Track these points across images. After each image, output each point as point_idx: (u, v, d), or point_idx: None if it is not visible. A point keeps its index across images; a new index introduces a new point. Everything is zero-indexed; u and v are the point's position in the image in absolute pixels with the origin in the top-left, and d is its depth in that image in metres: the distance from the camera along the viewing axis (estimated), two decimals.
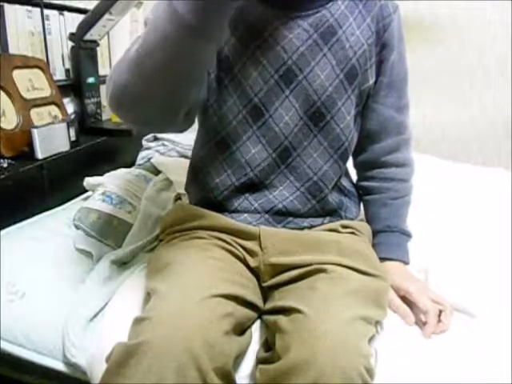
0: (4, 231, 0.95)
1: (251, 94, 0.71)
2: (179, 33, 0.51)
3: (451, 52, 1.63)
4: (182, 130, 0.68)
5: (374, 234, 0.82)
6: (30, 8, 1.24)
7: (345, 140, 0.75)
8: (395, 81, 0.77)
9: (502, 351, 0.65)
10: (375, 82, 0.76)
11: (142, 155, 1.43)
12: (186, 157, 1.37)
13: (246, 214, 0.75)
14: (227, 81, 0.71)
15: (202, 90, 0.68)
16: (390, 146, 0.81)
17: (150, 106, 0.60)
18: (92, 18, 1.31)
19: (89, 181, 1.11)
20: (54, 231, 0.97)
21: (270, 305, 0.68)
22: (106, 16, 1.29)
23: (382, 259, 0.77)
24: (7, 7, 1.16)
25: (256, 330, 0.69)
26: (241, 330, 0.64)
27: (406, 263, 0.80)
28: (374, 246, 0.80)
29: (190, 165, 0.83)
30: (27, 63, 1.21)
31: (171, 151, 1.42)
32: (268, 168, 0.73)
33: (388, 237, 0.81)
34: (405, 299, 0.73)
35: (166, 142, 1.43)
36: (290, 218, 0.75)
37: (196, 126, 0.78)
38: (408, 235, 0.82)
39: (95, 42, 1.44)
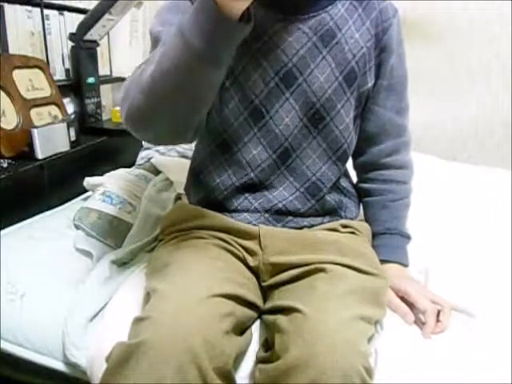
0: (4, 231, 0.96)
1: (252, 96, 0.71)
2: (190, 61, 0.54)
3: (451, 52, 1.63)
4: (190, 142, 0.72)
5: (374, 236, 0.82)
6: (29, 8, 1.24)
7: (344, 142, 0.75)
8: (395, 83, 0.78)
9: (502, 351, 0.65)
10: (374, 85, 0.76)
11: (142, 155, 1.42)
12: (186, 157, 1.37)
13: (245, 214, 0.75)
14: (228, 83, 0.72)
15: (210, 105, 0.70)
16: (390, 148, 0.81)
17: (163, 126, 0.64)
18: (92, 18, 1.31)
19: (89, 181, 1.12)
20: (53, 231, 0.97)
21: (269, 304, 0.68)
22: (106, 16, 1.30)
23: (382, 261, 0.77)
24: (7, 7, 1.17)
25: (256, 329, 0.69)
26: (241, 329, 0.64)
27: (406, 265, 0.80)
28: (373, 247, 0.80)
29: (191, 166, 0.83)
30: (27, 63, 1.21)
31: (171, 151, 1.41)
32: (268, 169, 0.74)
33: (387, 239, 0.81)
34: (404, 300, 0.73)
35: None
36: (290, 218, 0.75)
37: None
38: (407, 237, 0.82)
39: (95, 42, 1.44)
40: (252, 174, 0.74)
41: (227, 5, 0.52)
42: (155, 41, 0.66)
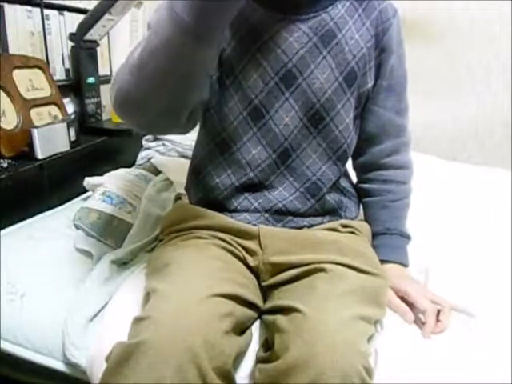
0: (4, 231, 0.96)
1: (252, 95, 0.71)
2: (180, 36, 0.52)
3: (451, 52, 1.63)
4: (185, 132, 0.69)
5: (374, 236, 0.82)
6: (29, 8, 1.24)
7: (344, 142, 0.75)
8: (394, 84, 0.78)
9: (502, 351, 0.65)
10: (374, 85, 0.76)
11: (142, 155, 1.43)
12: (186, 157, 1.37)
13: (245, 213, 0.75)
14: (228, 82, 0.72)
15: (205, 92, 0.69)
16: (390, 148, 0.81)
17: (153, 109, 0.61)
18: (92, 18, 1.31)
19: (89, 181, 1.12)
20: (53, 231, 0.97)
21: (269, 304, 0.68)
22: (106, 16, 1.30)
23: (382, 261, 0.77)
24: (7, 7, 1.17)
25: (256, 329, 0.69)
26: (241, 329, 0.64)
27: (406, 265, 0.80)
28: (373, 248, 0.80)
29: (191, 165, 0.83)
30: (27, 63, 1.21)
31: (171, 151, 1.42)
32: (268, 169, 0.74)
33: (387, 239, 0.81)
34: (404, 300, 0.73)
35: (166, 142, 1.43)
36: (290, 218, 0.75)
37: (197, 126, 0.78)
38: (407, 237, 0.82)
39: (95, 42, 1.44)
40: (252, 174, 0.74)
41: None
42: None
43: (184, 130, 0.68)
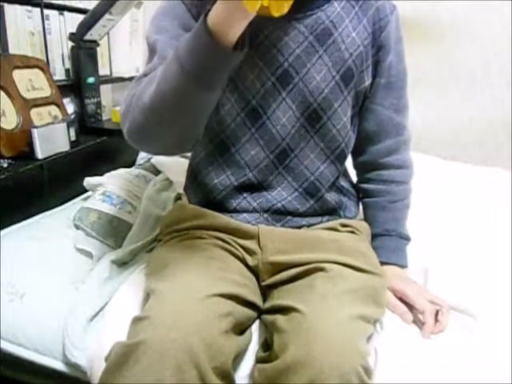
0: (4, 231, 0.96)
1: (249, 96, 0.71)
2: (187, 86, 0.57)
3: (451, 52, 1.63)
4: (189, 151, 0.79)
5: (373, 237, 0.82)
6: (29, 8, 1.24)
7: (341, 141, 0.75)
8: (393, 81, 0.77)
9: (502, 351, 0.65)
10: (372, 83, 0.76)
11: (142, 155, 1.43)
12: (186, 157, 1.36)
13: (245, 214, 0.75)
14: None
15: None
16: (389, 147, 0.81)
17: (162, 143, 0.66)
18: (92, 18, 1.31)
19: (89, 181, 1.12)
20: (54, 231, 0.97)
21: (268, 304, 0.68)
22: (106, 16, 1.30)
23: (381, 263, 0.76)
24: (7, 7, 1.17)
25: (256, 329, 0.69)
26: (240, 329, 0.64)
27: (404, 267, 0.80)
28: (372, 249, 0.79)
29: (189, 166, 0.83)
30: (27, 63, 1.21)
31: None
32: (266, 169, 0.74)
33: (386, 241, 0.81)
34: (402, 301, 0.73)
35: None
36: (289, 217, 0.75)
37: None
38: (406, 239, 0.82)
39: (95, 42, 1.44)
40: (250, 175, 0.74)
41: (221, 32, 0.53)
42: (152, 50, 0.67)
43: (189, 151, 0.78)
